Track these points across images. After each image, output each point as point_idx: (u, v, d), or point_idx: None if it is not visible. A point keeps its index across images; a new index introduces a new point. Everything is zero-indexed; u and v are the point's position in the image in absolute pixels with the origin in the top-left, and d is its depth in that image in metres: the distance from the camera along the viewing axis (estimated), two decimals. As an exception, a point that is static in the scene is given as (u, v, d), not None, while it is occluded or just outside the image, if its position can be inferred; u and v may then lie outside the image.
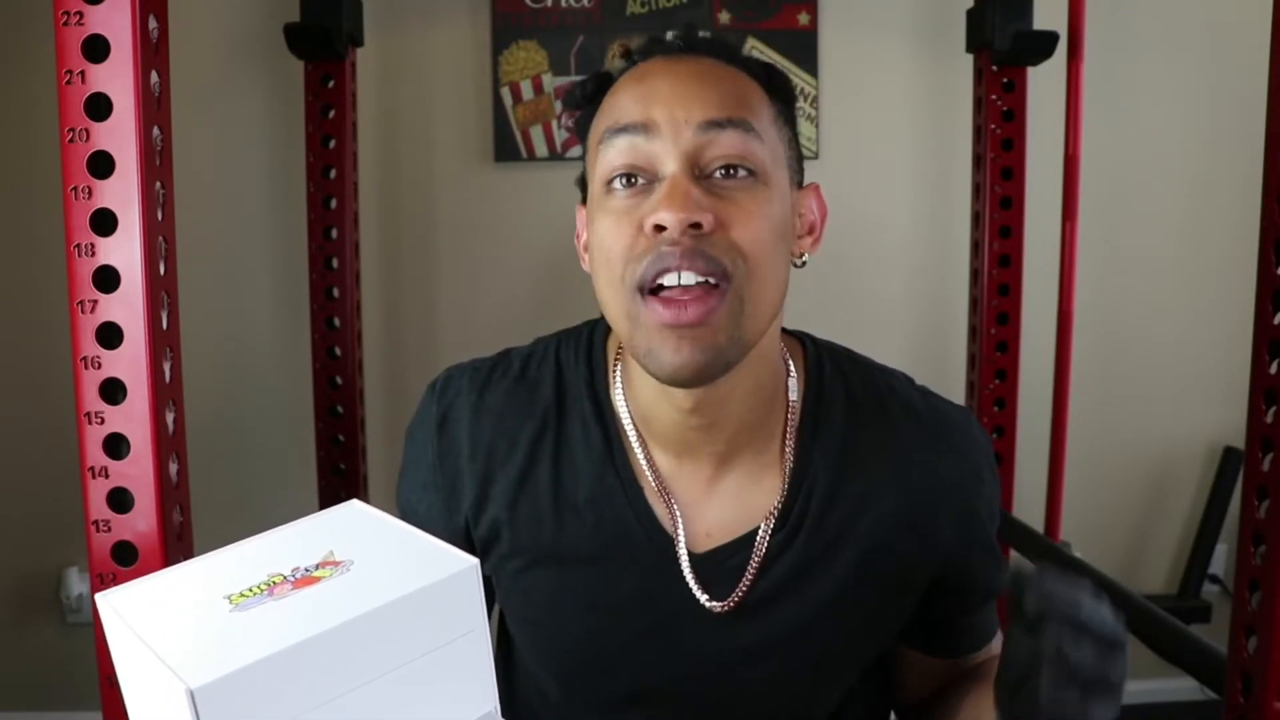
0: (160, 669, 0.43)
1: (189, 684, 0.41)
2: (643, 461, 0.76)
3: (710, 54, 0.71)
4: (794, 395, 0.77)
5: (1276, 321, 1.11)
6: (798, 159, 0.74)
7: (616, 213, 0.67)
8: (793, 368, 0.78)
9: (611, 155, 0.67)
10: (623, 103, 0.68)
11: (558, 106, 1.94)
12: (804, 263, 0.74)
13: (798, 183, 0.74)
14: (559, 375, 0.79)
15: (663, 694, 0.77)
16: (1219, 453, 2.10)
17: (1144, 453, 2.12)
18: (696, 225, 0.64)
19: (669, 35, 0.72)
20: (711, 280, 0.64)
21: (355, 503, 0.60)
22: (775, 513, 0.74)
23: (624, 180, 0.67)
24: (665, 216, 0.63)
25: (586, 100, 0.73)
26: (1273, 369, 1.11)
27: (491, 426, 0.78)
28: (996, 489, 0.80)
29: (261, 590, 0.48)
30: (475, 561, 0.50)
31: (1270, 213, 1.11)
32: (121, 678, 0.50)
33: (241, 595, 0.48)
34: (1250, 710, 1.09)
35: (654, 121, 0.65)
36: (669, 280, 0.64)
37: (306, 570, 0.50)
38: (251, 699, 0.42)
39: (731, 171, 0.66)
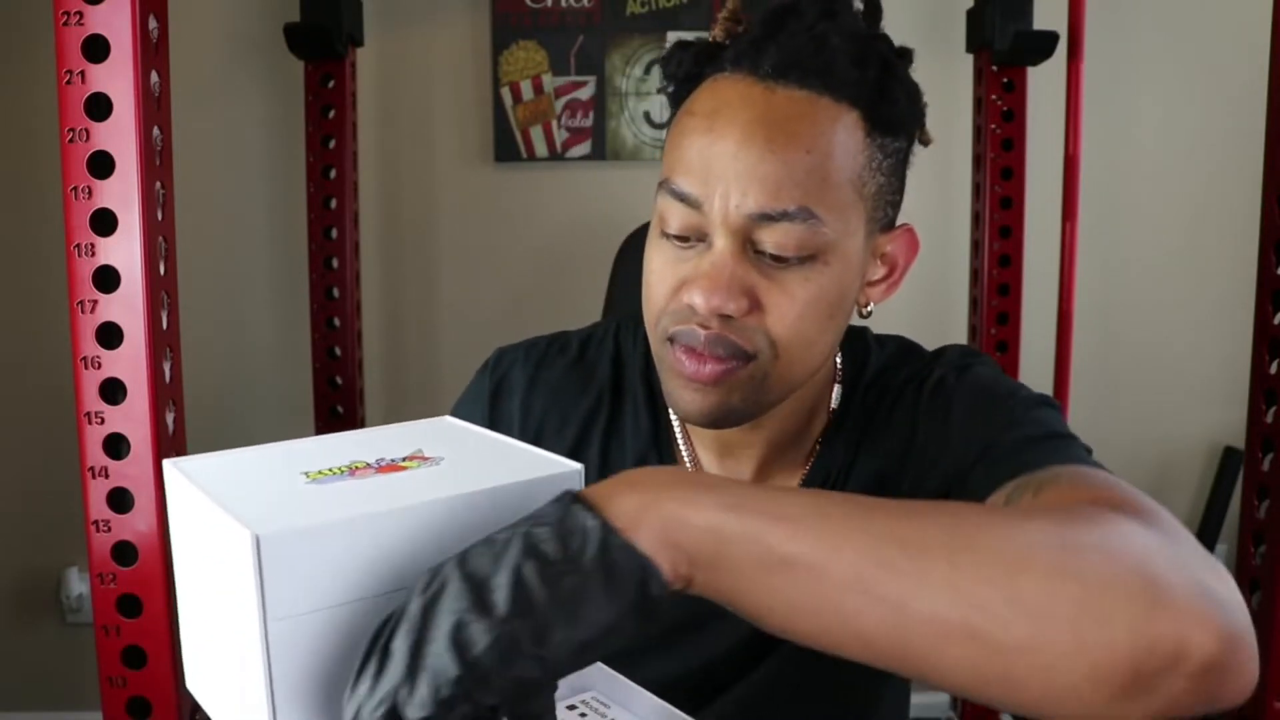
0: (225, 522, 0.39)
1: (256, 530, 0.37)
2: (686, 457, 0.77)
3: (804, 83, 0.62)
4: (835, 403, 0.76)
5: (1276, 321, 1.11)
6: (890, 201, 0.69)
7: (664, 260, 0.66)
8: (840, 374, 0.77)
9: (665, 209, 0.65)
10: (687, 152, 0.64)
11: (558, 106, 1.94)
12: (869, 313, 0.71)
13: (887, 224, 0.69)
14: (617, 357, 0.80)
15: (696, 685, 0.77)
16: (1219, 453, 2.10)
17: (1144, 453, 2.12)
18: (727, 314, 0.63)
19: (766, 47, 0.63)
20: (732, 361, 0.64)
21: (447, 418, 0.57)
22: None
23: (676, 237, 0.66)
24: (697, 300, 0.62)
25: (683, 82, 0.70)
26: (1273, 369, 1.11)
27: (545, 400, 0.79)
28: (976, 380, 0.71)
29: (342, 471, 0.45)
30: (580, 467, 0.47)
31: (1270, 213, 1.11)
32: (177, 558, 0.47)
33: (320, 473, 0.45)
34: (1250, 710, 1.09)
35: (708, 197, 0.63)
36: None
37: (393, 460, 0.47)
38: (318, 564, 0.39)
39: (783, 258, 0.63)
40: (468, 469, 0.46)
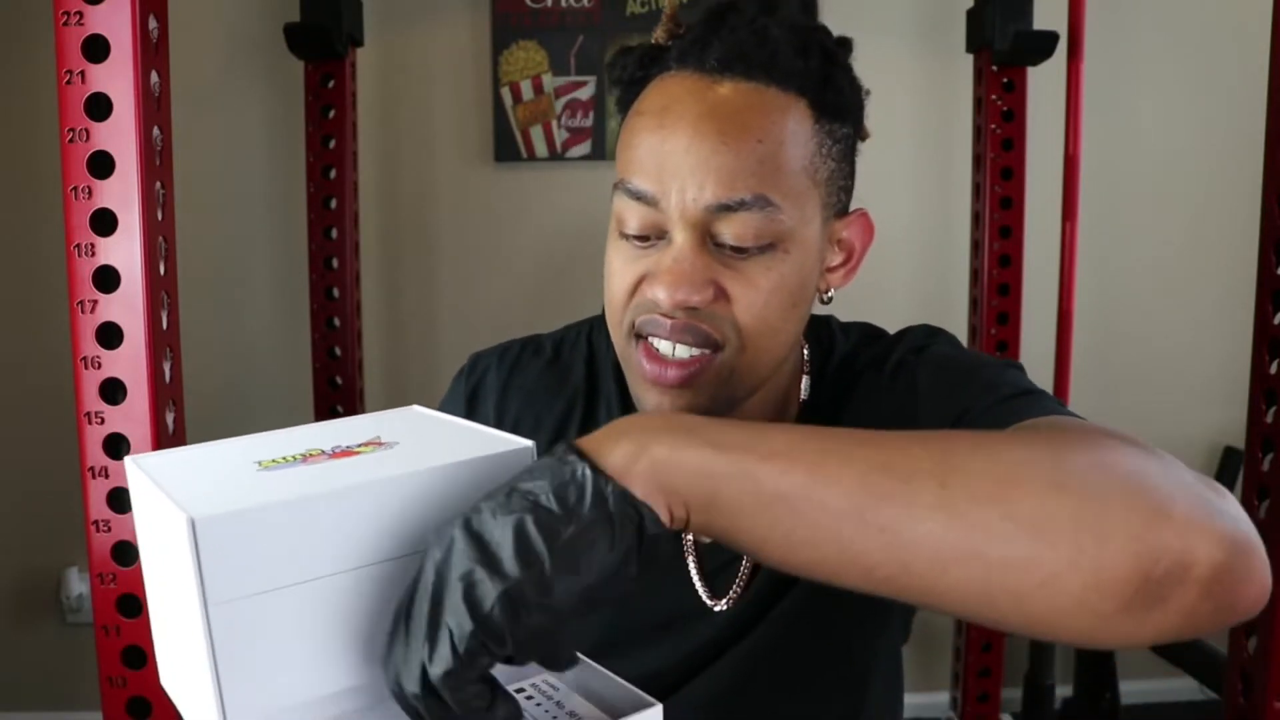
0: (168, 509, 0.40)
1: (190, 513, 0.37)
2: None
3: (750, 75, 0.63)
4: (805, 394, 0.76)
5: (1276, 321, 1.11)
6: (843, 187, 0.70)
7: (624, 258, 0.67)
8: (808, 365, 0.77)
9: (623, 209, 0.66)
10: (640, 151, 0.64)
11: (558, 106, 1.94)
12: (830, 299, 0.72)
13: (840, 211, 0.70)
14: (591, 358, 0.81)
15: (672, 682, 0.77)
16: (1219, 453, 2.10)
17: (1144, 453, 2.12)
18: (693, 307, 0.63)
19: (711, 43, 0.64)
20: (701, 350, 0.64)
21: (415, 407, 0.57)
22: None
23: (636, 237, 0.66)
24: (661, 294, 0.63)
25: (629, 78, 0.70)
26: (1273, 369, 1.11)
27: (519, 403, 0.79)
28: (938, 355, 0.72)
29: (295, 459, 0.45)
30: (531, 444, 0.48)
31: (1270, 213, 1.11)
32: (142, 553, 0.47)
33: (273, 461, 0.45)
34: (1250, 710, 1.09)
35: (665, 193, 0.63)
36: (662, 347, 0.65)
37: (348, 447, 0.47)
38: (260, 546, 0.39)
39: (743, 248, 0.63)
40: (419, 451, 0.46)
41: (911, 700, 2.09)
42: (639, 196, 0.64)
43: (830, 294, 0.72)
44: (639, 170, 0.64)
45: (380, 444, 0.48)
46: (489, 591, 0.39)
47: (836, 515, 0.42)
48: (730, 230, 0.63)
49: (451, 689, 0.39)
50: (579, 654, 0.48)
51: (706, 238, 0.63)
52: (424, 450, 0.46)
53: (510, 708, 0.42)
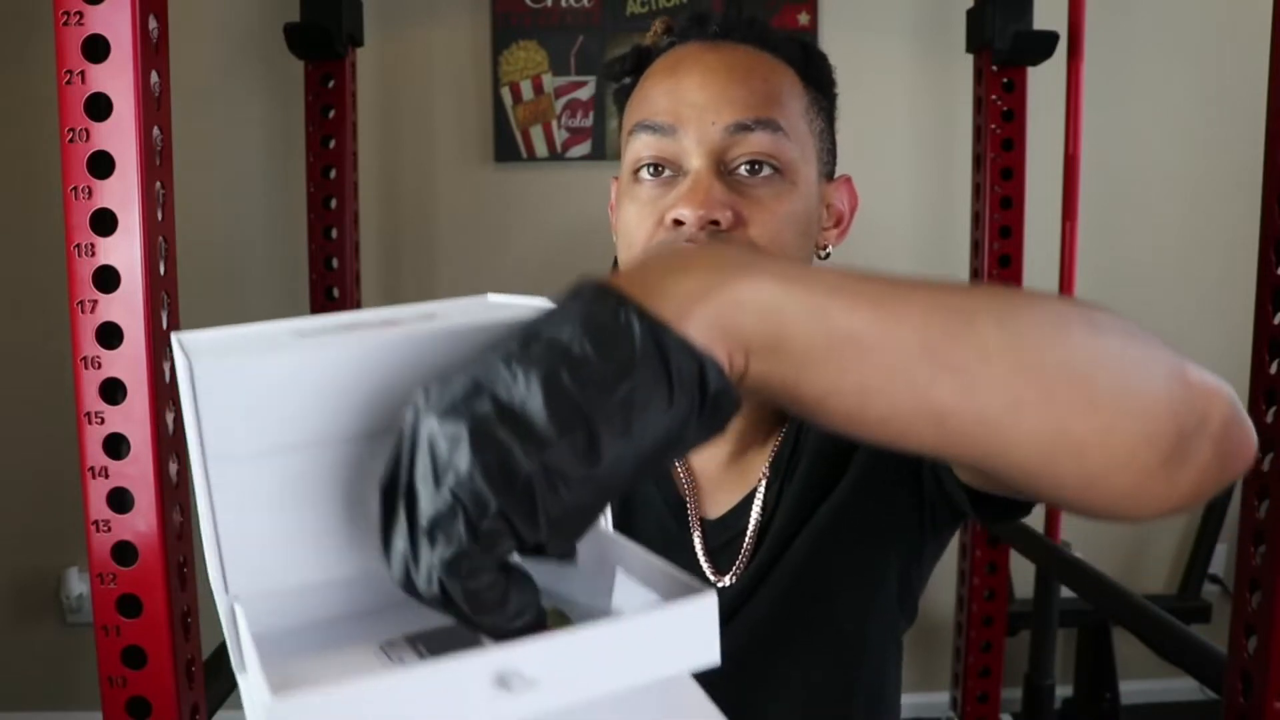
0: (181, 364, 0.36)
1: (193, 361, 0.34)
2: None
3: (746, 41, 0.71)
4: None
5: (1276, 321, 1.11)
6: (830, 150, 0.75)
7: (640, 202, 0.69)
8: None
9: (639, 147, 0.70)
10: (654, 97, 0.70)
11: (558, 106, 1.94)
12: (828, 255, 0.75)
13: (828, 174, 0.75)
14: None
15: None
16: (1219, 453, 2.10)
17: (1144, 453, 2.12)
18: (714, 222, 0.66)
19: (708, 17, 0.72)
20: None
21: (491, 295, 0.52)
22: (766, 471, 0.76)
23: (651, 170, 0.69)
24: (684, 212, 0.65)
25: (625, 74, 0.76)
26: (1273, 369, 1.11)
27: None
28: None
29: (337, 329, 0.40)
30: None
31: (1270, 213, 1.11)
32: (189, 436, 0.46)
33: (314, 331, 0.40)
34: (1250, 710, 1.09)
35: (682, 122, 0.68)
36: None
37: (395, 322, 0.41)
38: (266, 400, 0.35)
39: (756, 168, 0.67)
40: (466, 319, 0.40)
41: (911, 700, 2.10)
42: (656, 129, 0.68)
43: (828, 250, 0.76)
44: (655, 109, 0.69)
45: (432, 317, 0.42)
46: (521, 461, 0.31)
47: (910, 356, 0.37)
48: (744, 150, 0.67)
49: (463, 577, 0.31)
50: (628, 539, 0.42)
51: (721, 167, 0.67)
52: (469, 319, 0.40)
53: (528, 597, 0.34)
